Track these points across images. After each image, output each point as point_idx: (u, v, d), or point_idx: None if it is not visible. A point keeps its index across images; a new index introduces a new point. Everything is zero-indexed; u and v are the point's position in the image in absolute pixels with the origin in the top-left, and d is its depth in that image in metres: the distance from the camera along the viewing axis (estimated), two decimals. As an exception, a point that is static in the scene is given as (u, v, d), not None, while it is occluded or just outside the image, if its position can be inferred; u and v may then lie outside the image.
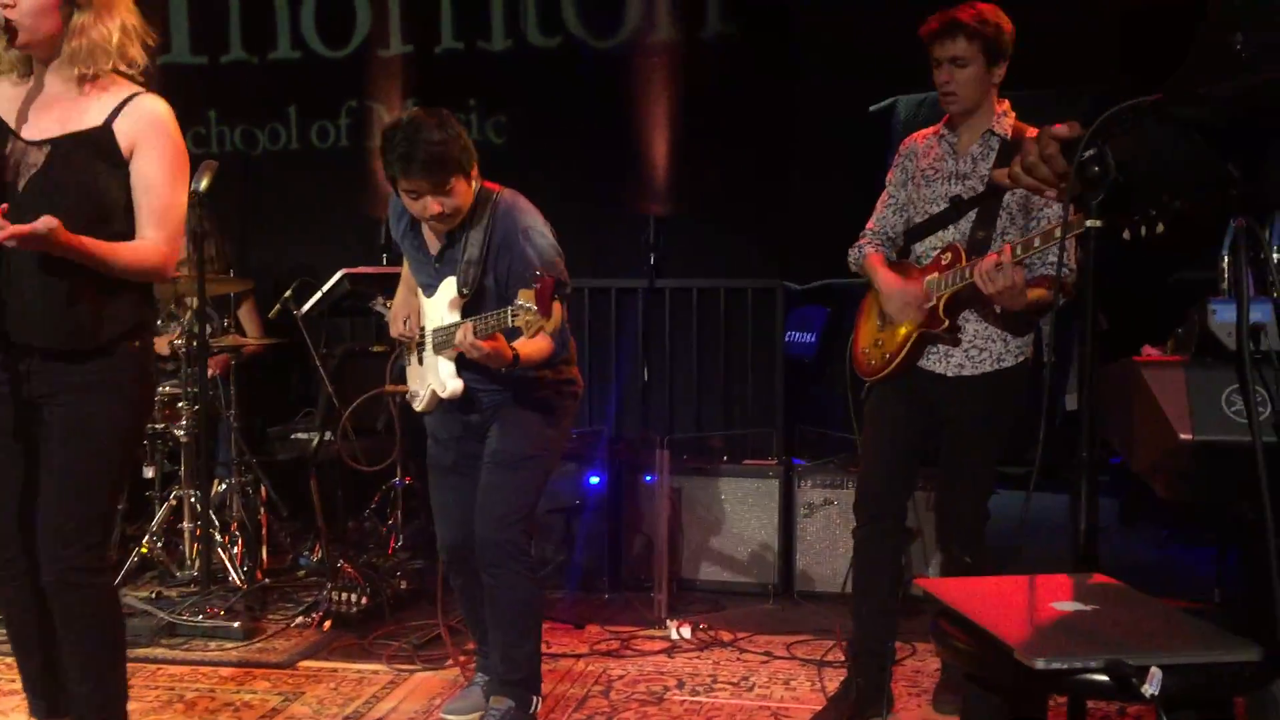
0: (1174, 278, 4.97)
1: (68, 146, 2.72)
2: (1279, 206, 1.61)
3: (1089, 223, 1.85)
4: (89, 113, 2.76)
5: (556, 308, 2.87)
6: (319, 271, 5.45)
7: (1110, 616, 1.58)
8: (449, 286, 3.29)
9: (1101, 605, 1.62)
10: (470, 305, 3.26)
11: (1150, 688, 1.36)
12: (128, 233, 2.78)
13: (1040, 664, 1.43)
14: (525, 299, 2.86)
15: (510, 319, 2.92)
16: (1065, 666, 1.44)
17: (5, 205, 2.56)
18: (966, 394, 3.40)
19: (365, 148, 6.31)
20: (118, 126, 2.75)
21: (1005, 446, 3.52)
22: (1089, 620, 1.57)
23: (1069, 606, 1.62)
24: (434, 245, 3.36)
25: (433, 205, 3.15)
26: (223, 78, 6.47)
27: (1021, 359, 3.43)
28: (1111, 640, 1.49)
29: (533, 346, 3.12)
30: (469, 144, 3.16)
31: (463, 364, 3.28)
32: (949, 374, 3.42)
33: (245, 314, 5.53)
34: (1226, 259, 1.51)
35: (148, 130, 2.78)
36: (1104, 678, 1.43)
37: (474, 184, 3.23)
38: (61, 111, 2.75)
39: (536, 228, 3.25)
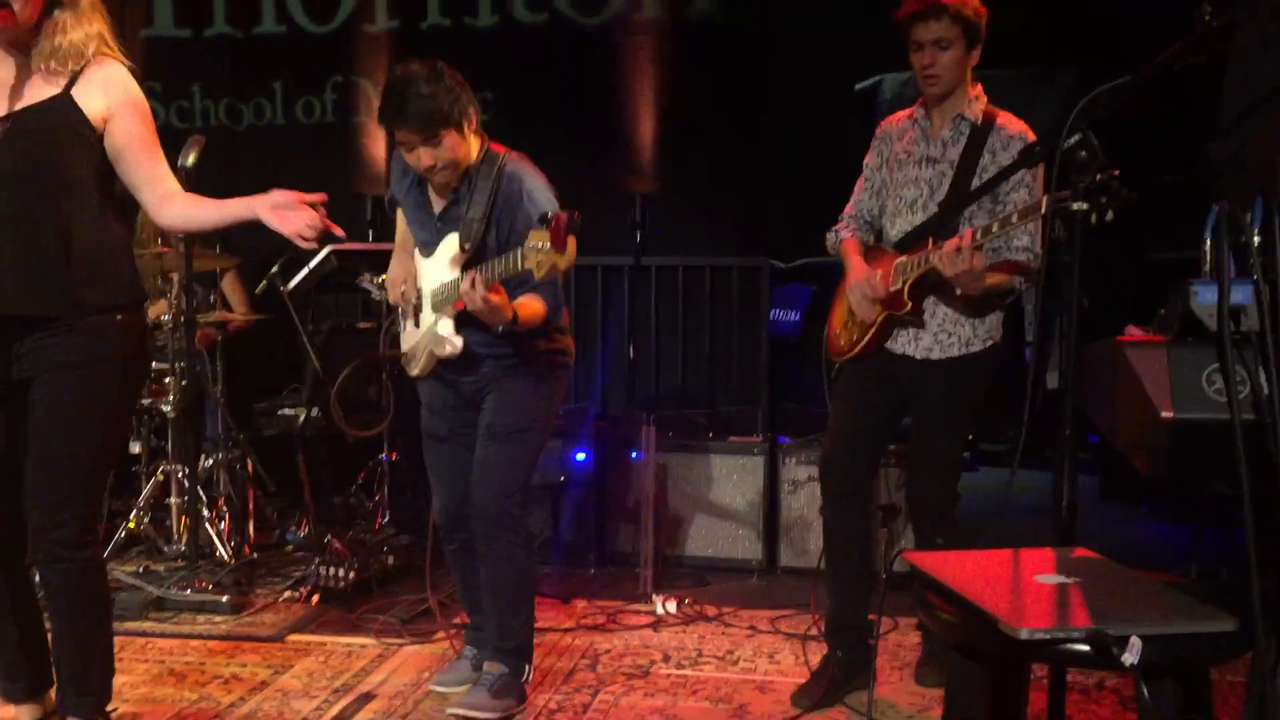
0: (1150, 257, 5.03)
1: (27, 119, 2.69)
2: (1258, 190, 1.64)
3: (1075, 206, 1.90)
4: (44, 86, 2.72)
5: (571, 242, 2.88)
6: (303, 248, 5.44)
7: (1092, 589, 1.62)
8: (450, 243, 3.31)
9: (1083, 578, 1.66)
10: (471, 263, 3.27)
11: (1130, 657, 1.41)
12: (90, 206, 2.75)
13: (1024, 634, 1.47)
14: (538, 240, 2.87)
15: (520, 261, 2.93)
16: (1048, 637, 1.48)
17: None
18: (934, 377, 3.44)
19: (351, 123, 6.31)
20: (79, 94, 2.71)
21: (974, 429, 3.58)
22: (1071, 592, 1.61)
23: (1052, 579, 1.66)
24: (438, 203, 3.38)
25: (425, 157, 3.19)
26: (207, 51, 6.46)
27: (990, 343, 3.47)
28: (1093, 611, 1.53)
29: (529, 309, 3.16)
30: (464, 97, 3.18)
31: (462, 322, 3.29)
32: (918, 356, 3.46)
33: (229, 286, 5.53)
34: (1208, 241, 1.54)
35: (118, 93, 2.76)
36: (1085, 647, 1.48)
37: (472, 139, 3.25)
38: (17, 88, 2.71)
39: (541, 190, 3.29)
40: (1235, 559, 4.41)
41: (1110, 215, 2.06)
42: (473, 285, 3.02)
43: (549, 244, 2.85)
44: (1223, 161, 1.54)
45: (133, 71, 2.84)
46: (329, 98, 6.45)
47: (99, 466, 2.83)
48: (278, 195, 2.77)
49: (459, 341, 3.32)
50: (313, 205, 2.77)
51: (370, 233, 5.95)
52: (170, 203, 2.83)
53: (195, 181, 4.39)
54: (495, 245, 3.27)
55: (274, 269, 5.14)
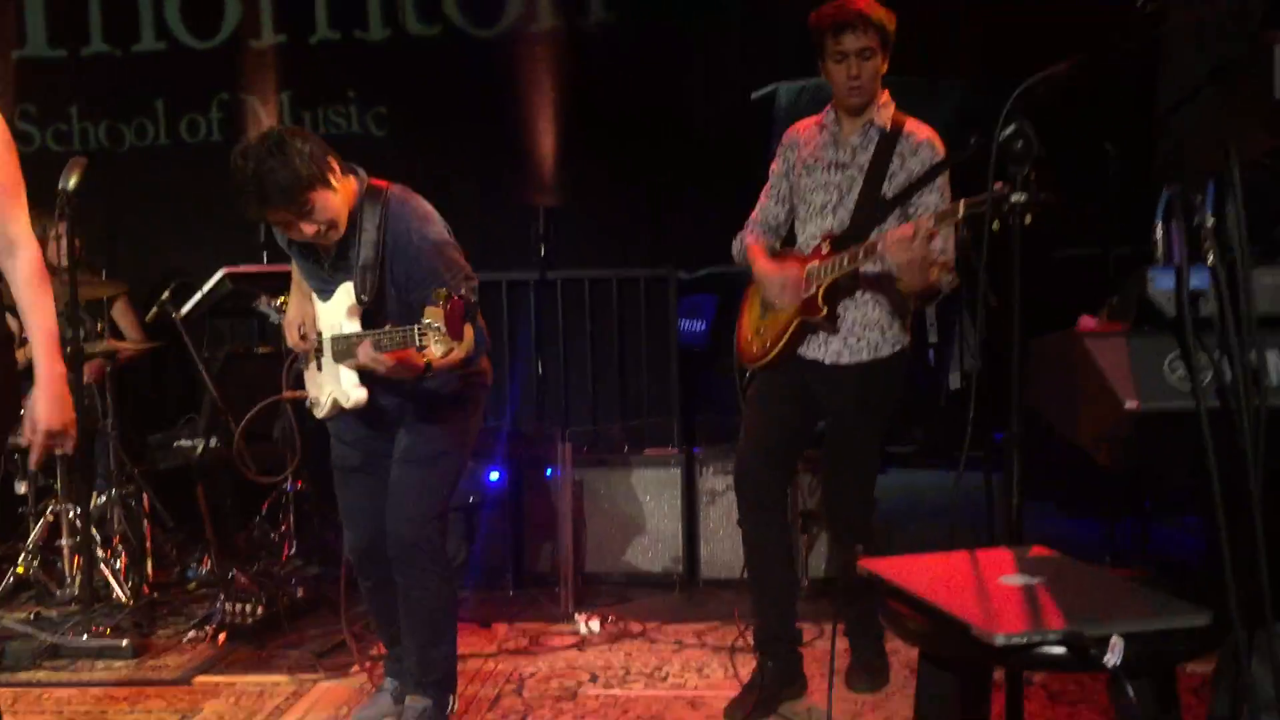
0: (1058, 255, 5.11)
1: None
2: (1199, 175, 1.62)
3: (1014, 197, 1.86)
4: None
5: (468, 330, 2.79)
6: (195, 271, 5.26)
7: (1059, 588, 1.58)
8: (345, 292, 3.16)
9: (1047, 577, 1.62)
10: (371, 312, 3.14)
11: (1113, 658, 1.37)
12: None
13: (1000, 640, 1.42)
14: (433, 318, 2.76)
15: (418, 338, 2.81)
16: (1025, 641, 1.44)
17: None
18: (845, 382, 3.43)
19: (239, 142, 6.10)
20: None
21: (885, 433, 3.58)
22: (1039, 593, 1.57)
23: (1017, 580, 1.62)
24: (326, 251, 3.24)
25: (305, 228, 3.05)
26: (84, 71, 6.21)
27: (899, 348, 3.47)
28: (1066, 612, 1.49)
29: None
30: (315, 151, 3.01)
31: (366, 373, 3.16)
32: (827, 361, 3.44)
33: (120, 315, 5.29)
34: (1160, 227, 1.52)
35: None
36: (1063, 650, 1.43)
37: (344, 184, 3.09)
38: None
39: (430, 226, 3.15)
40: (1149, 551, 4.49)
41: (1029, 218, 2.03)
42: (367, 356, 2.93)
43: (444, 327, 2.76)
44: (1169, 149, 1.52)
45: None
46: (214, 116, 6.24)
47: None
48: (56, 420, 2.58)
49: (363, 394, 3.20)
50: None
51: (265, 255, 5.76)
52: (13, 266, 2.59)
53: (78, 206, 4.19)
54: (394, 291, 3.14)
55: (165, 295, 4.93)
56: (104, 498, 4.77)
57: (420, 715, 3.25)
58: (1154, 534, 4.67)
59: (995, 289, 2.52)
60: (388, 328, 2.96)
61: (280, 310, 4.33)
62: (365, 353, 2.96)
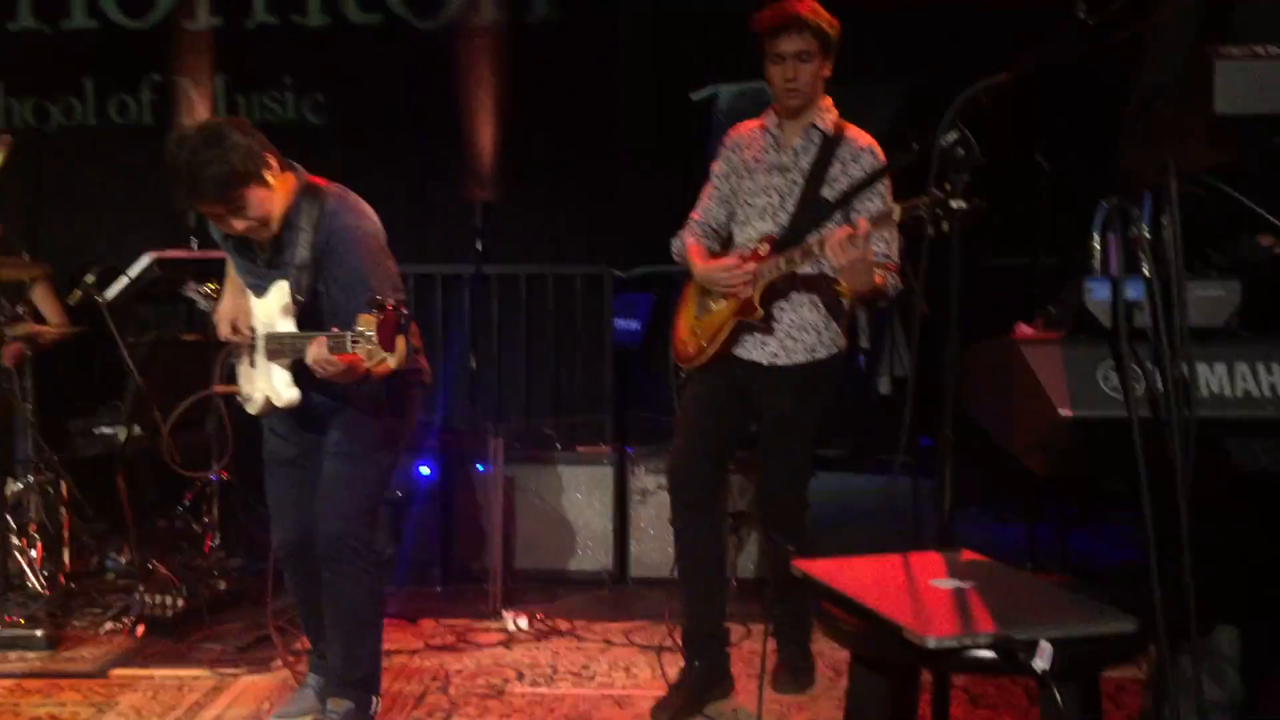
0: (988, 264, 5.17)
1: None
2: (1140, 189, 1.65)
3: (954, 204, 1.88)
4: None
5: (400, 343, 2.75)
6: (122, 256, 5.13)
7: (989, 592, 1.60)
8: (280, 290, 3.11)
9: (978, 581, 1.64)
10: (306, 312, 3.10)
11: (1041, 662, 1.38)
12: None
13: (931, 643, 1.43)
14: (366, 325, 2.73)
15: (350, 345, 2.78)
16: (956, 644, 1.45)
17: None
18: (781, 383, 3.46)
19: (171, 126, 5.98)
20: None
21: (820, 435, 3.60)
22: (970, 597, 1.58)
23: (947, 584, 1.63)
24: (261, 248, 3.18)
25: (235, 224, 3.02)
26: (11, 47, 6.06)
27: (835, 351, 3.50)
28: (996, 616, 1.50)
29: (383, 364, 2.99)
30: (254, 144, 2.97)
31: (300, 371, 3.11)
32: (764, 362, 3.47)
33: (41, 298, 5.15)
34: (1097, 238, 1.54)
35: None
36: (992, 654, 1.45)
37: (280, 180, 3.05)
38: None
39: (365, 230, 3.12)
40: (1068, 557, 4.56)
41: (945, 226, 2.05)
42: (319, 355, 2.88)
43: (376, 336, 2.73)
44: (1118, 159, 1.54)
45: None
46: (146, 97, 6.11)
47: None
48: None
49: (295, 394, 3.16)
50: None
51: (195, 240, 5.64)
52: None
53: (2, 185, 4.09)
54: (325, 291, 3.11)
55: (89, 278, 4.80)
56: (20, 484, 4.64)
57: (342, 718, 3.20)
58: (1074, 541, 4.75)
59: (924, 295, 2.54)
60: (334, 331, 2.91)
61: (210, 297, 4.24)
62: (317, 354, 2.90)
